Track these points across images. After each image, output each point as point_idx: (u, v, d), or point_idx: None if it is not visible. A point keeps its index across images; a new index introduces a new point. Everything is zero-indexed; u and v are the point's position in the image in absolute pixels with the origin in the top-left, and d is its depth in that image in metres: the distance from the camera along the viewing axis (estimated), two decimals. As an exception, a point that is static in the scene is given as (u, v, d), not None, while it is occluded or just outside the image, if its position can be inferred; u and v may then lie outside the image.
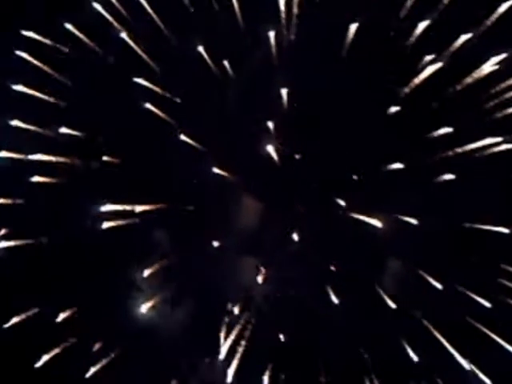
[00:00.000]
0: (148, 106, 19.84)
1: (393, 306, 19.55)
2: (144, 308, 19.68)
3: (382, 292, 19.46)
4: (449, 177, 19.59)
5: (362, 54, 19.94)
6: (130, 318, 19.84)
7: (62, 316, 19.59)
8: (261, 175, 20.31)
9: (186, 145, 20.12)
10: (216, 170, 19.88)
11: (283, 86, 20.00)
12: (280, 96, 20.06)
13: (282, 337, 19.69)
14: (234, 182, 20.02)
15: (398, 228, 19.67)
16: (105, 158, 20.13)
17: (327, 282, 19.70)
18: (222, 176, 20.07)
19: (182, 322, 20.09)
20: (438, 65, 18.68)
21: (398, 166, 19.80)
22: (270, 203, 20.34)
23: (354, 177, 19.57)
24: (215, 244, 19.93)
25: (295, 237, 19.88)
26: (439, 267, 19.64)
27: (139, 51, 20.09)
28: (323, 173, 20.51)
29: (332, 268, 19.89)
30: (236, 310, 19.71)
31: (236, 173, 20.20)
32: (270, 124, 20.17)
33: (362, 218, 19.07)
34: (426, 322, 19.43)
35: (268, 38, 20.04)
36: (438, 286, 19.48)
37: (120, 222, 19.47)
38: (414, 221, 19.74)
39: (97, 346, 19.85)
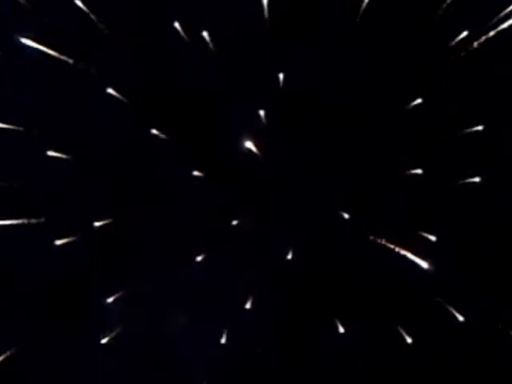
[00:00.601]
0: (110, 91, 16.03)
1: (409, 340, 16.70)
2: (105, 339, 16.47)
3: (399, 327, 16.55)
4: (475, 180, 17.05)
5: (377, 31, 17.03)
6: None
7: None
8: (251, 180, 17.29)
9: (159, 140, 17.19)
10: (196, 173, 17.14)
11: (279, 67, 16.82)
12: (275, 78, 17.20)
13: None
14: (219, 187, 17.11)
15: (414, 247, 16.93)
16: (51, 154, 16.07)
17: (333, 311, 16.84)
18: (205, 180, 17.34)
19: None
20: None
21: (416, 171, 17.13)
22: (264, 214, 17.29)
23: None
24: (198, 258, 16.91)
25: (289, 256, 16.90)
26: (462, 294, 16.79)
27: (101, 25, 15.99)
28: (325, 179, 17.53)
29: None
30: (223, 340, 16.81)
31: (222, 177, 17.24)
32: (262, 113, 17.32)
33: (404, 252, 16.07)
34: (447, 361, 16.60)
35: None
36: (460, 317, 16.60)
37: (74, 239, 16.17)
38: (432, 237, 16.98)
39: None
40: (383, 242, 15.92)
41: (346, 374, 17.18)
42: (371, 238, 16.08)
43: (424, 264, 15.85)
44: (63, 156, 16.61)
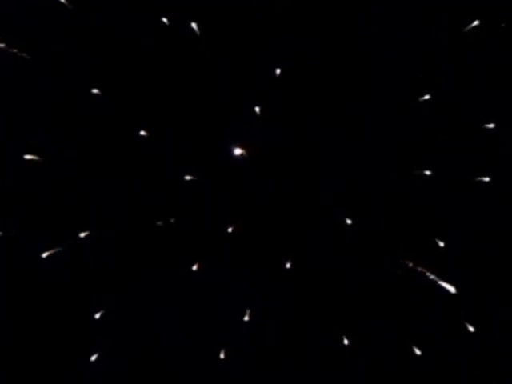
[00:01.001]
0: (94, 91, 14.72)
1: (418, 352, 16.34)
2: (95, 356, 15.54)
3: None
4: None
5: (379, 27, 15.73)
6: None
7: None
8: (246, 184, 16.32)
9: (148, 142, 16.06)
10: (188, 178, 16.11)
11: (276, 58, 15.87)
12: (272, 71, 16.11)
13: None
14: (213, 192, 16.07)
15: (421, 252, 16.29)
16: (27, 157, 14.76)
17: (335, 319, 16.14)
18: (198, 185, 16.34)
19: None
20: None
21: (425, 172, 16.32)
22: (261, 220, 16.47)
23: None
24: (194, 268, 16.06)
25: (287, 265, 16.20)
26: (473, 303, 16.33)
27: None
28: (325, 178, 16.67)
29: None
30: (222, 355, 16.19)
31: (216, 181, 16.31)
32: (257, 109, 16.20)
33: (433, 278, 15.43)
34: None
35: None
36: (471, 328, 16.22)
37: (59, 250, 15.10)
38: (441, 243, 16.33)
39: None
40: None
41: (346, 375, 17.17)
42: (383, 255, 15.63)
43: (451, 288, 15.45)
44: (42, 159, 15.73)
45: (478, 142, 16.10)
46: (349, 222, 15.86)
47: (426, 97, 15.45)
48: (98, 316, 15.77)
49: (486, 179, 16.01)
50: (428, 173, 15.72)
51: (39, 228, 15.64)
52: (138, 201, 15.59)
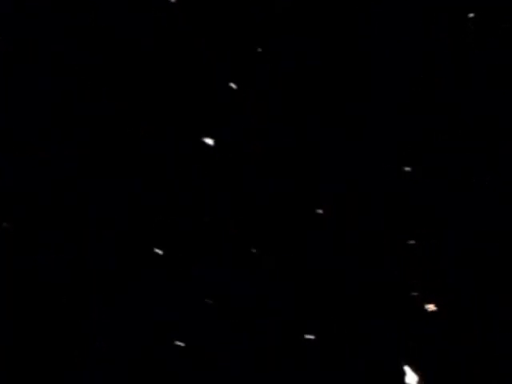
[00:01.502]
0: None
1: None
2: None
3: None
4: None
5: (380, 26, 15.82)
6: None
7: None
8: (246, 181, 16.38)
9: (147, 142, 16.24)
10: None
11: (276, 58, 16.06)
12: (272, 71, 16.15)
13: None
14: (213, 191, 16.14)
15: (409, 258, 16.35)
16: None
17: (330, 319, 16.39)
18: (197, 183, 16.30)
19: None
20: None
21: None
22: (257, 219, 16.63)
23: None
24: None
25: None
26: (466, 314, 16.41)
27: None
28: (325, 178, 16.69)
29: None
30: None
31: (214, 180, 16.34)
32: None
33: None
34: None
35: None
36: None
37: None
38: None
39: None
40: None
41: (346, 374, 17.14)
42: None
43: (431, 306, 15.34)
44: (41, 159, 15.75)
45: (479, 142, 16.29)
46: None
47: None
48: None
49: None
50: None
51: (38, 228, 15.89)
52: (138, 201, 15.80)
